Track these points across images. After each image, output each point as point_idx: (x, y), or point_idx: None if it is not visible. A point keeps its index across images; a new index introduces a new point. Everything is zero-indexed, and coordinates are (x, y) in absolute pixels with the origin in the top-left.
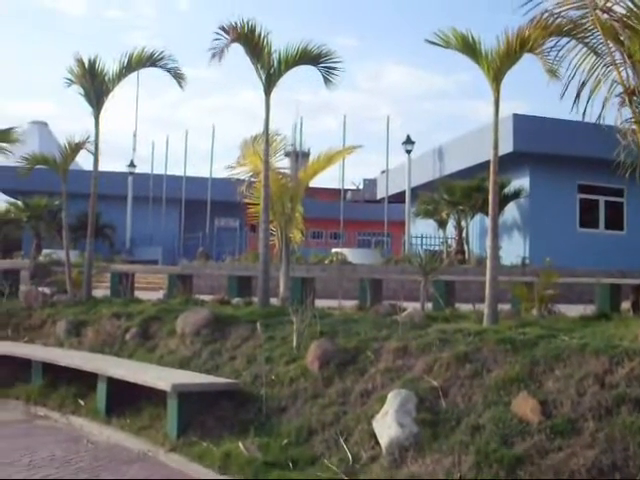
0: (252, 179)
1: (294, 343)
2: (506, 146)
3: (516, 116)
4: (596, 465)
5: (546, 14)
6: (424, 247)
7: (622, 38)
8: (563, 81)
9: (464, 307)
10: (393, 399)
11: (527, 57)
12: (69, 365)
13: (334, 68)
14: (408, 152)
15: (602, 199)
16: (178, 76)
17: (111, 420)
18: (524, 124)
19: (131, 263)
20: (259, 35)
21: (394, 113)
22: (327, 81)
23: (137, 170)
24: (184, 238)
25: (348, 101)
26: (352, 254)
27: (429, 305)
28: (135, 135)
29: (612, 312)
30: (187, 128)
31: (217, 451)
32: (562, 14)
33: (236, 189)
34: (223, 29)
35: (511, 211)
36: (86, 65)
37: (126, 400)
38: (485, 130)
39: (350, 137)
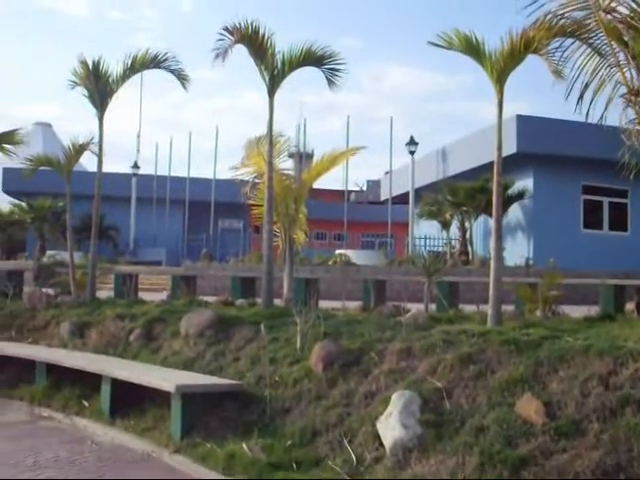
0: (256, 180)
1: (298, 344)
2: (510, 147)
3: (520, 117)
4: (600, 466)
5: (550, 15)
6: (428, 248)
7: (626, 39)
8: (567, 82)
9: (468, 308)
10: (397, 400)
11: (530, 58)
12: (73, 366)
13: (338, 70)
14: (411, 153)
15: (606, 200)
16: (182, 77)
17: (115, 421)
18: (528, 125)
19: (135, 264)
20: (263, 36)
21: (397, 114)
22: (331, 83)
23: (141, 171)
24: (188, 239)
25: (352, 102)
26: (356, 255)
27: (433, 306)
28: (139, 136)
29: (616, 313)
30: (191, 129)
31: (221, 452)
32: (566, 15)
33: (240, 190)
34: (227, 30)
35: (515, 212)
36: (90, 67)
37: (130, 401)
38: (488, 131)
39: (354, 138)
